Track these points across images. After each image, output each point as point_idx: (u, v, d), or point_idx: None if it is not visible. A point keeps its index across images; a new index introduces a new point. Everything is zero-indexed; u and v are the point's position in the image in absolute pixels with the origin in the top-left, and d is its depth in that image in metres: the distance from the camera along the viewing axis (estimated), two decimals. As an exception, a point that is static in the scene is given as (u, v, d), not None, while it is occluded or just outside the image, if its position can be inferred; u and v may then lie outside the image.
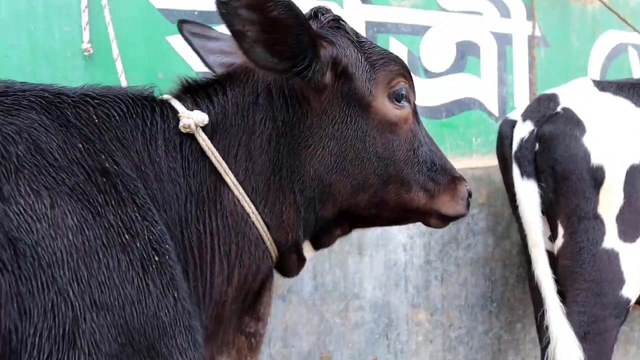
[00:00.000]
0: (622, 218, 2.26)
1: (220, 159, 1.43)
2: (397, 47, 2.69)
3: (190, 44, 1.73)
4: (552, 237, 2.35)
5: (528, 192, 2.30)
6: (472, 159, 3.00)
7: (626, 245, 2.26)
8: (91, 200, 1.17)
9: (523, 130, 2.36)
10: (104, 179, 1.21)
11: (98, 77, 2.01)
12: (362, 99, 1.53)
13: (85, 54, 2.11)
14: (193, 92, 1.50)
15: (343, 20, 1.59)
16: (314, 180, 1.52)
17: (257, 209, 1.47)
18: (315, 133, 1.51)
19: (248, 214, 1.46)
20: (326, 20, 1.57)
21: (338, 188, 1.54)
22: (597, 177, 2.26)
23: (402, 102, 1.58)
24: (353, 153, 1.53)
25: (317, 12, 1.59)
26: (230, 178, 1.44)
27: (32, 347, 1.03)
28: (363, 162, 1.55)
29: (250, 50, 1.37)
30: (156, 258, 1.24)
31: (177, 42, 2.29)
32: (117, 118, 1.33)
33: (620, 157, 2.27)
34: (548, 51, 3.18)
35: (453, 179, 1.72)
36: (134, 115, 1.36)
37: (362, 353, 2.61)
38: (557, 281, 2.29)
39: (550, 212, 2.32)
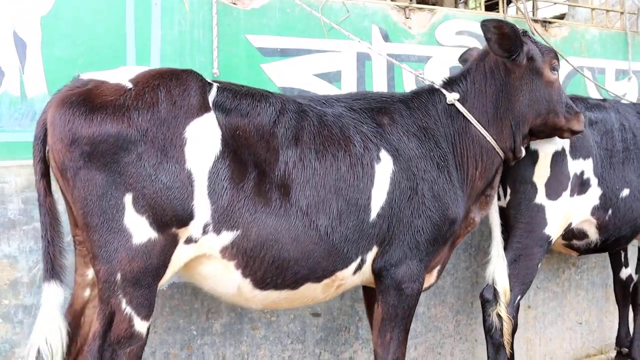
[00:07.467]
0: (549, 184, 3.52)
1: (466, 112, 3.01)
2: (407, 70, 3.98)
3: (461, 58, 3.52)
4: (504, 195, 3.63)
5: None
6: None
7: (550, 202, 3.52)
8: (420, 138, 2.86)
9: None
10: (423, 129, 2.91)
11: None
12: (539, 70, 3.09)
13: (215, 75, 3.46)
14: (450, 82, 3.13)
15: (529, 32, 3.19)
16: (518, 112, 3.07)
17: (488, 132, 3.03)
18: (518, 89, 3.05)
19: (484, 136, 3.03)
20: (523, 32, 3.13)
21: (528, 116, 3.09)
22: (533, 158, 3.53)
23: (554, 71, 3.14)
24: (535, 97, 3.08)
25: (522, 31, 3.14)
26: (472, 120, 3.02)
27: (400, 194, 2.73)
28: (539, 101, 3.09)
29: (493, 47, 3.00)
30: (442, 163, 2.88)
31: (268, 68, 3.64)
32: (423, 101, 3.01)
33: (549, 145, 3.54)
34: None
35: (576, 112, 3.22)
36: (428, 99, 3.03)
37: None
38: (505, 225, 3.58)
39: (502, 179, 3.60)
